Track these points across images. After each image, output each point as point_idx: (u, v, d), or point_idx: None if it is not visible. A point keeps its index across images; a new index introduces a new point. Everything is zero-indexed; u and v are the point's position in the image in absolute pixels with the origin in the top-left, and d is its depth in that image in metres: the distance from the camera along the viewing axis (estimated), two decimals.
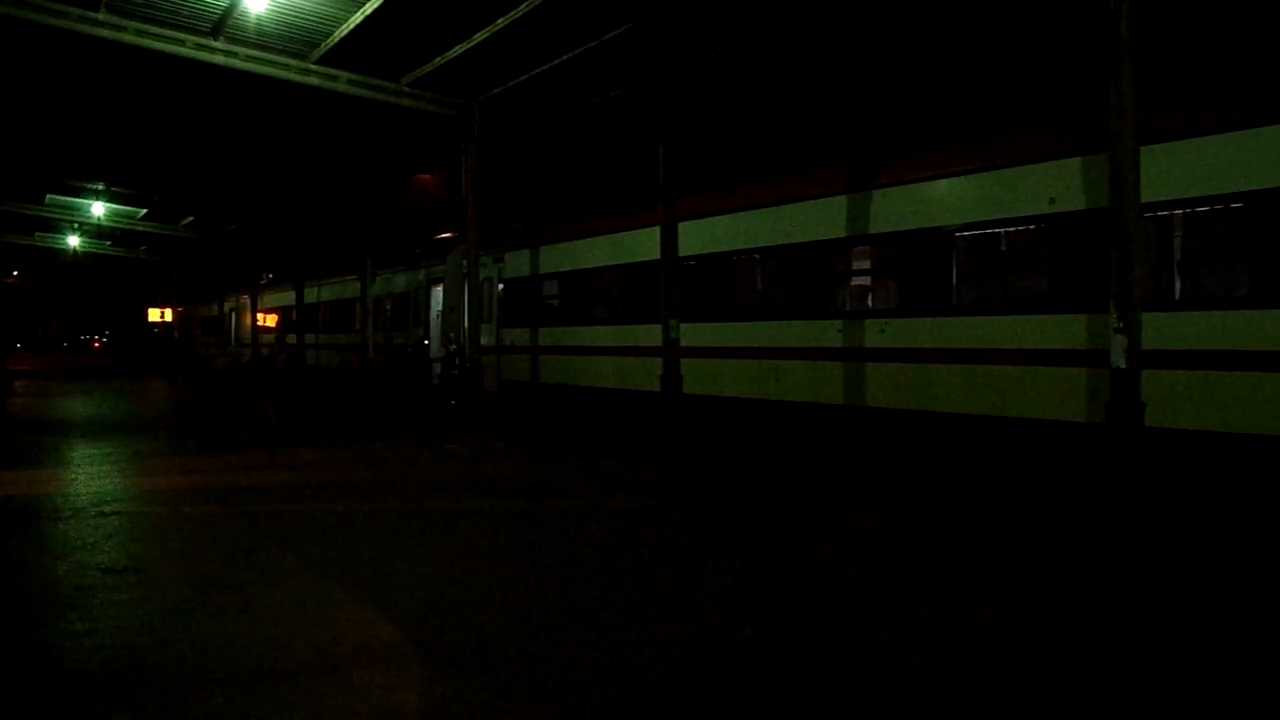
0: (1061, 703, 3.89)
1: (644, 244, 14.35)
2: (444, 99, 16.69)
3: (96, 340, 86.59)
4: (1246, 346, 7.72)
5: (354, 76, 15.62)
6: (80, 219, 35.18)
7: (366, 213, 24.75)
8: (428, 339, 21.44)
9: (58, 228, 39.31)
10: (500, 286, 18.66)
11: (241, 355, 37.20)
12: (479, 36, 13.69)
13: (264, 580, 5.82)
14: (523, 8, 12.51)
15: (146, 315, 51.74)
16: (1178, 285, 8.53)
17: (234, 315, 40.33)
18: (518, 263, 18.09)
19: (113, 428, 15.25)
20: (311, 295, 30.86)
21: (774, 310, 12.39)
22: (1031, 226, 9.44)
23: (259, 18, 13.41)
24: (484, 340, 18.34)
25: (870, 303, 11.66)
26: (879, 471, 10.22)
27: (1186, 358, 8.13)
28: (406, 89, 16.18)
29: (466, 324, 18.24)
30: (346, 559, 6.41)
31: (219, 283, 39.04)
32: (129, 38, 13.67)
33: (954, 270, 10.14)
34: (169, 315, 48.72)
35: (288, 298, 33.02)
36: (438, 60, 14.89)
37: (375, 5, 12.76)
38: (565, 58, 14.27)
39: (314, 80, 15.35)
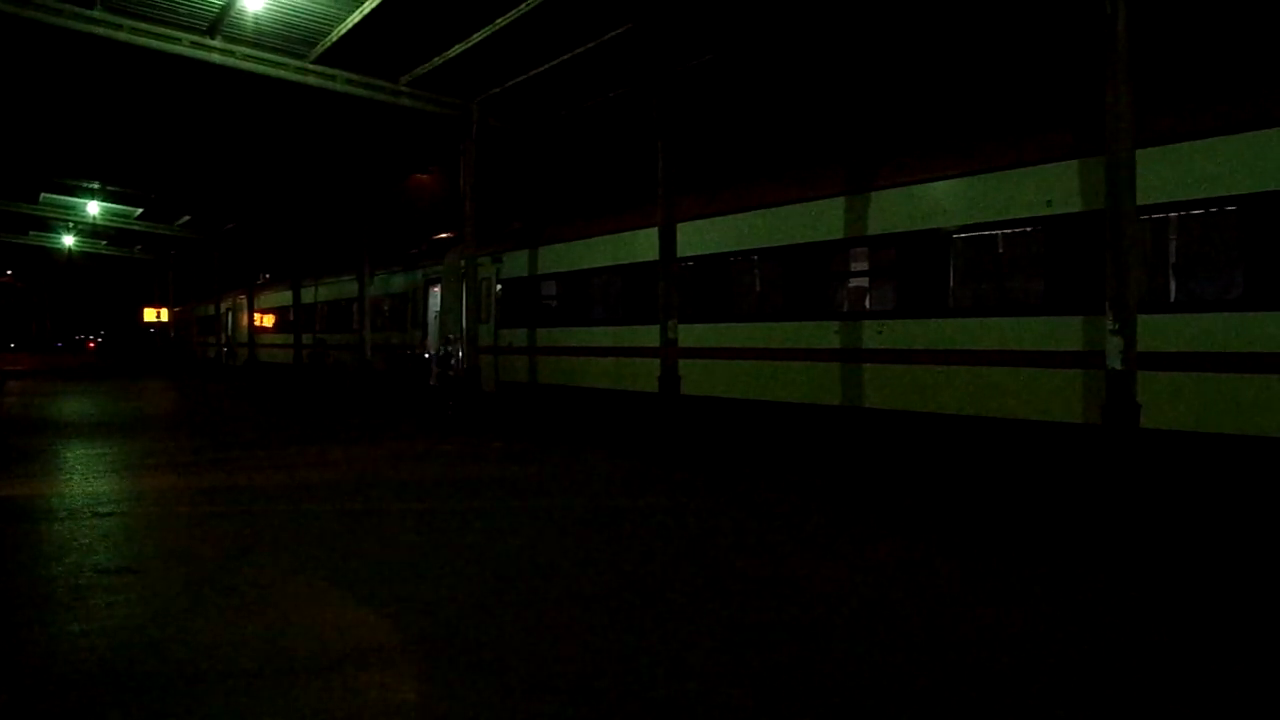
0: (1059, 703, 3.90)
1: (642, 245, 14.36)
2: (442, 99, 16.68)
3: (91, 340, 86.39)
4: (1241, 349, 7.75)
5: (352, 76, 15.61)
6: (75, 218, 35.10)
7: (364, 213, 24.72)
8: (426, 339, 21.42)
9: (52, 227, 39.22)
10: (498, 287, 18.65)
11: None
12: (478, 36, 13.69)
13: (261, 580, 5.81)
14: (522, 8, 12.52)
15: (142, 315, 51.69)
16: (1173, 288, 8.56)
17: (231, 315, 40.29)
18: (516, 263, 18.08)
19: (107, 427, 15.20)
20: (309, 295, 30.82)
21: (772, 311, 12.40)
22: (1029, 229, 9.46)
23: (256, 16, 13.39)
24: (482, 340, 18.33)
25: (868, 304, 11.68)
26: (875, 473, 10.23)
27: (1182, 360, 8.16)
28: (405, 88, 16.17)
29: (465, 324, 18.24)
30: (344, 559, 6.40)
31: (215, 283, 38.97)
32: (125, 36, 13.64)
33: (951, 272, 10.16)
34: (165, 315, 48.65)
35: (285, 298, 33.00)
36: (436, 60, 14.88)
37: (373, 4, 12.76)
38: (564, 58, 14.27)
39: (312, 80, 15.34)
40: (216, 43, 14.27)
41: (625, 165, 20.88)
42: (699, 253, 13.49)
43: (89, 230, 38.74)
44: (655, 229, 13.51)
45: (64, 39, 13.79)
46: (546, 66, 14.71)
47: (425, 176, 26.86)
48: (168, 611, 5.17)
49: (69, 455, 11.60)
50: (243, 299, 37.24)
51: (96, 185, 28.74)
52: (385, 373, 23.62)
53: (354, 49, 14.57)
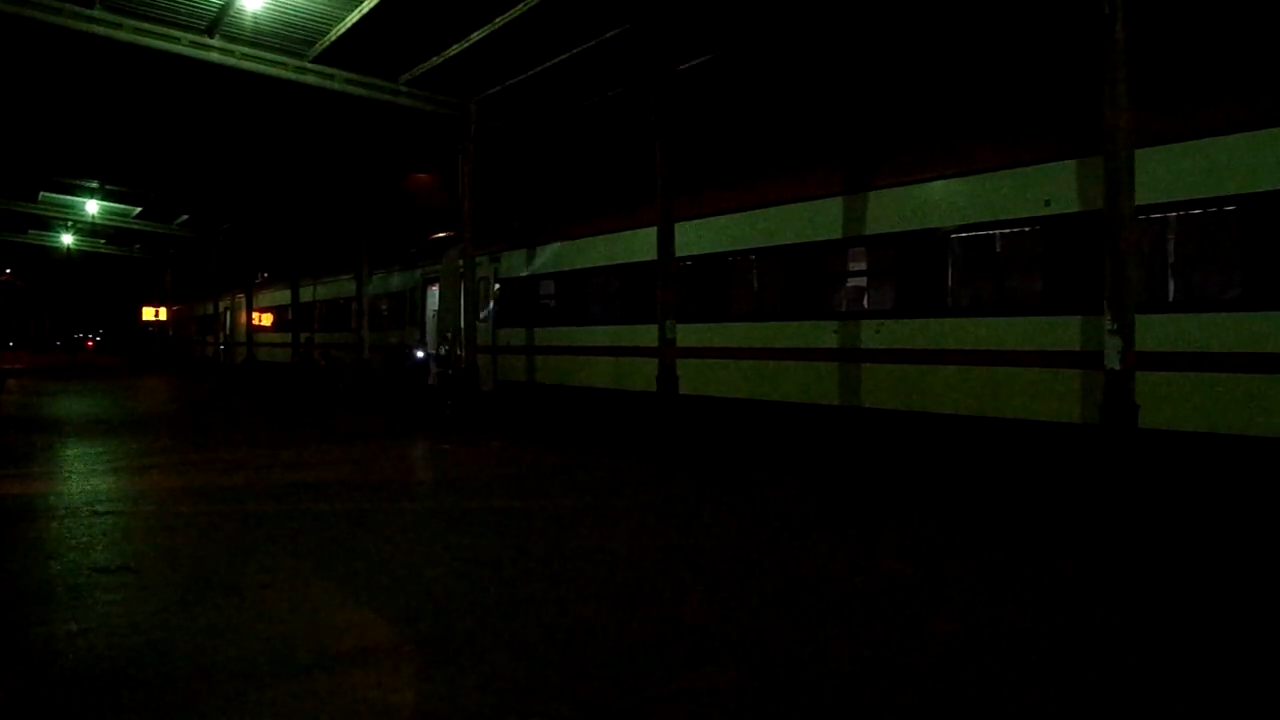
0: (1058, 701, 3.91)
1: (640, 244, 14.36)
2: (441, 98, 16.68)
3: (90, 339, 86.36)
4: (1240, 349, 7.77)
5: (351, 75, 15.61)
6: (74, 217, 35.08)
7: (363, 212, 24.71)
8: (425, 338, 21.42)
9: (51, 225, 39.21)
10: (497, 286, 18.66)
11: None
12: (476, 36, 13.69)
13: (260, 580, 5.81)
14: (520, 8, 12.52)
15: (140, 314, 51.72)
16: (1172, 288, 8.57)
17: (229, 314, 40.28)
18: (514, 262, 18.09)
19: (105, 426, 15.20)
20: (307, 295, 30.83)
21: (770, 311, 12.41)
22: (1027, 228, 9.47)
23: (255, 15, 13.39)
24: (480, 340, 18.33)
25: (866, 304, 11.70)
26: (874, 473, 10.24)
27: (1180, 360, 8.17)
28: (403, 88, 16.17)
29: (463, 324, 18.24)
30: (344, 558, 6.40)
31: (214, 282, 38.95)
32: (124, 35, 13.64)
33: (949, 272, 10.17)
34: (163, 314, 48.67)
35: (283, 297, 33.01)
36: (435, 59, 14.88)
37: (372, 4, 12.75)
38: (562, 58, 14.27)
39: (310, 79, 15.33)
40: (215, 42, 14.27)
41: (623, 165, 20.87)
42: (697, 252, 13.50)
43: (88, 229, 38.72)
44: (653, 229, 13.51)
45: (64, 39, 13.78)
46: (545, 66, 14.71)
47: (424, 176, 26.87)
48: (166, 611, 5.17)
49: (67, 454, 11.60)
50: (241, 298, 37.23)
51: (95, 184, 28.72)
52: (384, 372, 23.62)
53: (353, 48, 14.56)
